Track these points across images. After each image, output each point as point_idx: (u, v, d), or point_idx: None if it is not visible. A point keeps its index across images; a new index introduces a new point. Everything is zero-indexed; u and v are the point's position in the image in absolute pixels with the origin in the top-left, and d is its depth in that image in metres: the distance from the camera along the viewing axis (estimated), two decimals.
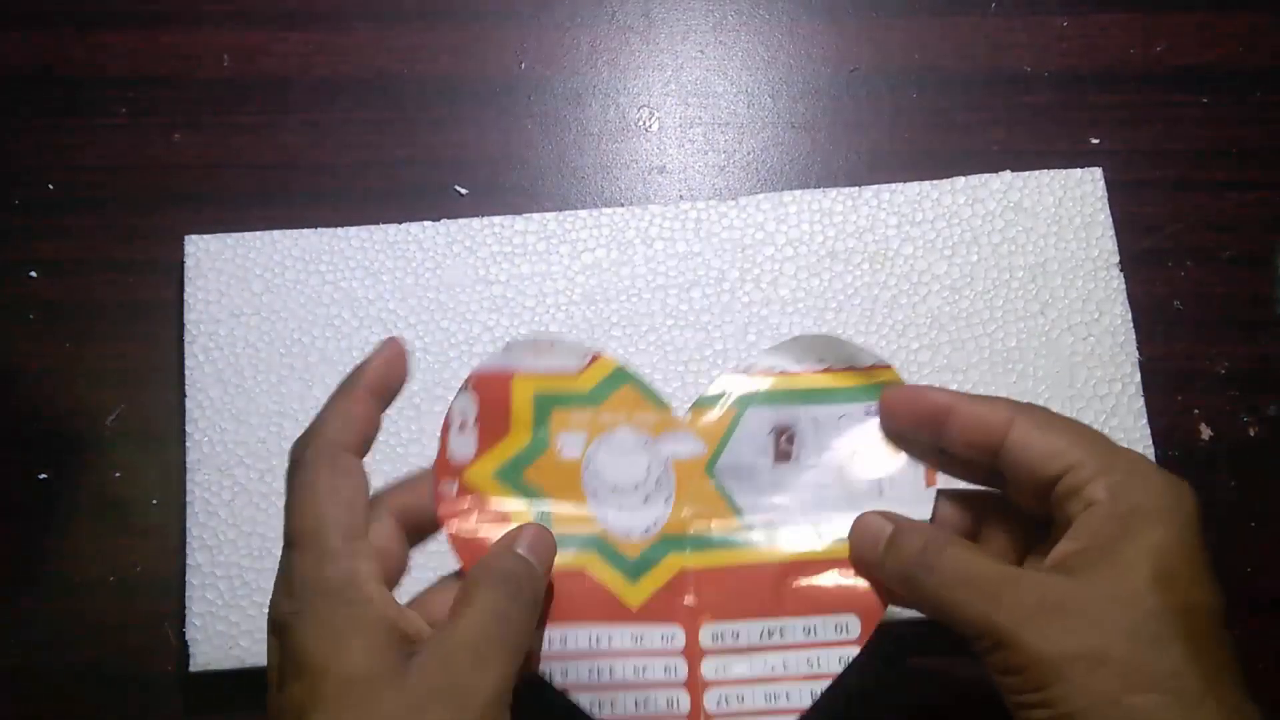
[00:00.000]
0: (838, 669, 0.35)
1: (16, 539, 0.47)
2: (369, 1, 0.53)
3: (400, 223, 0.48)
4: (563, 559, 0.35)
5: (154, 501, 0.47)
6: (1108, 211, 0.48)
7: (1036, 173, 0.49)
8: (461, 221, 0.49)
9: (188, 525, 0.45)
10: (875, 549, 0.35)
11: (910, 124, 0.51)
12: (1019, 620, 0.30)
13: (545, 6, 0.53)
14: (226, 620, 0.44)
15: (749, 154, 0.51)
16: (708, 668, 0.36)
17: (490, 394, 0.37)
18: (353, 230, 0.48)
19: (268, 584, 0.44)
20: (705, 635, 0.36)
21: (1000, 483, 0.36)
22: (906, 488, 0.37)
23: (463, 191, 0.51)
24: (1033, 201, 0.49)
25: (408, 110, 0.52)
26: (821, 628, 0.35)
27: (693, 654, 0.36)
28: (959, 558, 0.33)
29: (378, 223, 0.48)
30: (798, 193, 0.49)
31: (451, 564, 0.34)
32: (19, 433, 0.48)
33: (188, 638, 0.44)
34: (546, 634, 0.34)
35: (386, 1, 0.53)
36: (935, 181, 0.49)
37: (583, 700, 0.34)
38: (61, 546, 0.46)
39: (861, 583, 0.36)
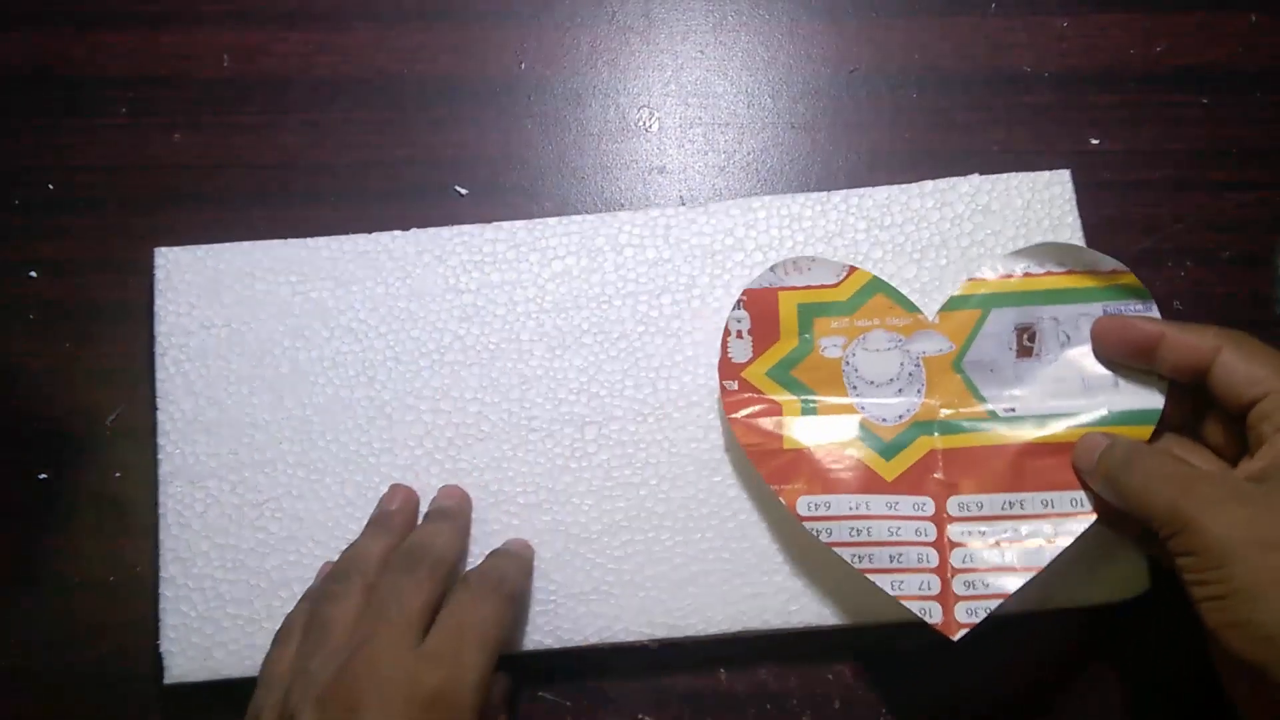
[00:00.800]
0: (1074, 536, 0.40)
1: (16, 539, 0.47)
2: (369, 1, 0.53)
3: (401, 224, 0.48)
4: (829, 440, 0.42)
5: (154, 501, 0.47)
6: (1076, 214, 0.48)
7: (1005, 175, 0.48)
8: (431, 231, 0.48)
9: (160, 538, 0.45)
10: (1091, 458, 0.40)
11: (910, 124, 0.51)
12: (1203, 508, 0.34)
13: (545, 6, 0.53)
14: (201, 632, 0.44)
15: (749, 154, 0.51)
16: (954, 530, 0.41)
17: (760, 308, 0.44)
18: (322, 241, 0.48)
19: (242, 595, 0.44)
20: (952, 505, 0.41)
21: (1189, 414, 0.41)
22: (1141, 380, 0.41)
23: (463, 191, 0.51)
24: (1001, 204, 0.48)
25: (408, 110, 0.52)
26: (1058, 501, 0.41)
27: (940, 519, 0.41)
28: (1157, 460, 0.38)
29: (377, 223, 0.48)
30: (766, 198, 0.48)
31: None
32: (19, 433, 0.48)
33: (162, 650, 0.44)
34: (811, 500, 0.41)
35: (386, 1, 0.53)
36: (903, 185, 0.48)
37: (845, 554, 0.40)
38: (61, 546, 0.46)
39: None
